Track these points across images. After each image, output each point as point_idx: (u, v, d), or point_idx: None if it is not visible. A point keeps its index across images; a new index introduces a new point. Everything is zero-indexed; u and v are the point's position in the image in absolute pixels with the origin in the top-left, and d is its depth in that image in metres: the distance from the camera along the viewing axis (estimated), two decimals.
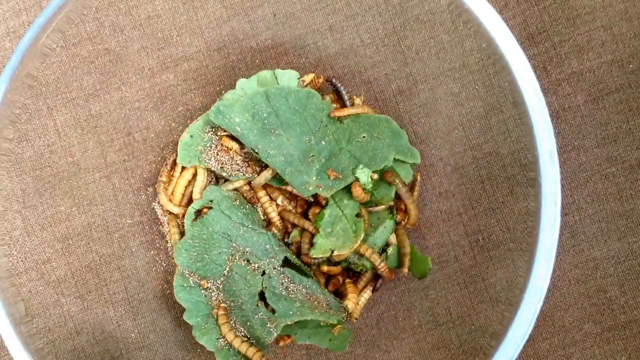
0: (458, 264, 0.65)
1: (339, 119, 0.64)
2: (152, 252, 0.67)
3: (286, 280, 0.63)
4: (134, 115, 0.66)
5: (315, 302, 0.62)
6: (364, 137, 0.63)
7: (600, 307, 0.66)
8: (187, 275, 0.63)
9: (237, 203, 0.64)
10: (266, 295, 0.62)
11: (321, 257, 0.63)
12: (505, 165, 0.63)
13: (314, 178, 0.63)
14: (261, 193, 0.65)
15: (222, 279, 0.63)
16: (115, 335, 0.65)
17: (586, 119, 0.66)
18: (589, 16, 0.66)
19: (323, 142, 0.63)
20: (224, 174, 0.65)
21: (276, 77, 0.65)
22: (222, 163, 0.65)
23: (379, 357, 0.65)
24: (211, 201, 0.64)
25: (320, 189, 0.63)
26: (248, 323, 0.63)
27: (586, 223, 0.66)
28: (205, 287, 0.63)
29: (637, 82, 0.66)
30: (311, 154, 0.63)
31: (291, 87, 0.64)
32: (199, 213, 0.65)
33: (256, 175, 0.65)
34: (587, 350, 0.66)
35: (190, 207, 0.65)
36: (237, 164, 0.65)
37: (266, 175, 0.64)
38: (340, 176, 0.63)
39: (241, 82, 0.65)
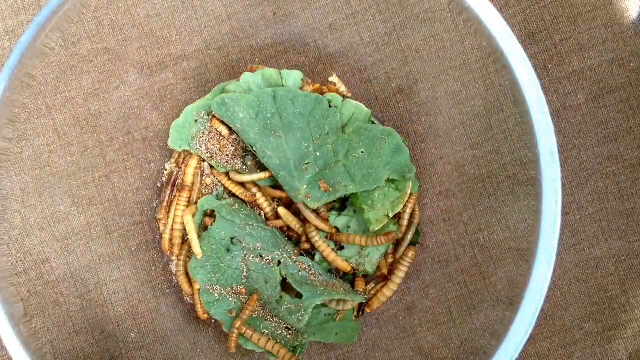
0: (458, 264, 0.65)
1: (342, 129, 0.63)
2: (152, 252, 0.67)
3: (303, 267, 0.63)
4: (134, 114, 0.66)
5: (334, 287, 0.63)
6: (362, 152, 0.62)
7: (601, 306, 0.66)
8: (210, 291, 0.63)
9: (236, 207, 0.64)
10: (290, 282, 0.63)
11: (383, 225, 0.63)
12: (506, 164, 0.63)
13: (305, 187, 0.63)
14: (258, 193, 0.66)
15: (244, 281, 0.63)
16: (115, 335, 0.65)
17: (587, 117, 0.66)
18: (590, 14, 0.66)
19: (320, 152, 0.63)
20: (213, 163, 0.65)
21: (282, 77, 0.65)
22: (213, 152, 0.65)
23: (380, 356, 0.65)
24: (212, 211, 0.64)
25: (309, 200, 0.63)
26: (281, 314, 0.63)
27: (587, 222, 0.66)
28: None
29: (638, 80, 0.66)
30: (306, 161, 0.63)
31: (301, 91, 0.63)
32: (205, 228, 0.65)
33: (245, 168, 0.65)
34: (588, 350, 0.66)
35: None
36: (227, 155, 0.65)
37: (259, 176, 0.64)
38: (330, 190, 0.63)
39: (246, 76, 0.65)
